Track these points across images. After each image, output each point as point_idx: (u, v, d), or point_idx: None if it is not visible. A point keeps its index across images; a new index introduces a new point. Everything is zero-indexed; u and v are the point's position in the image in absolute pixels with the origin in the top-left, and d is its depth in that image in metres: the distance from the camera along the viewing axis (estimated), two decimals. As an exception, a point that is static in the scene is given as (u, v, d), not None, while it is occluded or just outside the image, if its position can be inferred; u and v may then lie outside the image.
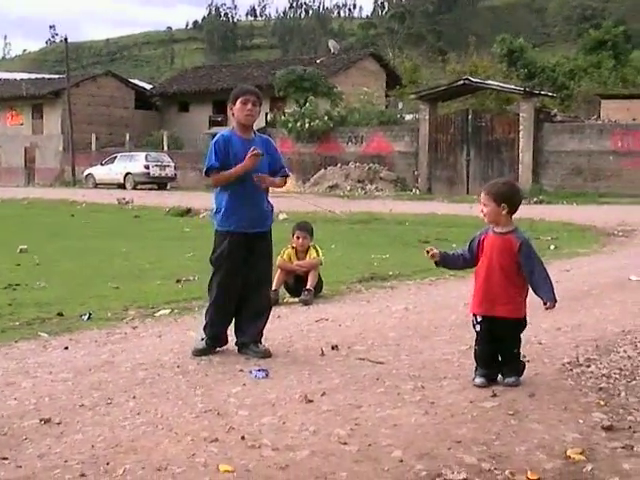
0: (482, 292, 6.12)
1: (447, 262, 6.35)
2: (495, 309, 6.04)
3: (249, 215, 7.08)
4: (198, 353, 6.98)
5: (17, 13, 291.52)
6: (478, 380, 6.06)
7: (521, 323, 6.11)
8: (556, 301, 5.99)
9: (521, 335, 6.16)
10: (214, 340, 7.15)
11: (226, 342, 7.22)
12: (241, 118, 7.14)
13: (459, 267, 6.49)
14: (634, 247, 16.78)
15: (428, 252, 6.28)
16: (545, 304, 5.99)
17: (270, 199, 7.36)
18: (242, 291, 7.16)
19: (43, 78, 71.44)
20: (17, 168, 62.45)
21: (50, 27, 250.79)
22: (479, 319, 6.13)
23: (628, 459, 4.50)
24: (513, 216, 6.10)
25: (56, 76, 74.49)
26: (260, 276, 7.26)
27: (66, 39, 66.47)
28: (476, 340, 6.21)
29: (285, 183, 7.52)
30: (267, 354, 6.94)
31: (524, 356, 6.53)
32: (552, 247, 16.25)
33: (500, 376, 6.06)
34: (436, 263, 6.38)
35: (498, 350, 6.10)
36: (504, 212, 5.97)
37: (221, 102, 57.25)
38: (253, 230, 7.12)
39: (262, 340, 7.14)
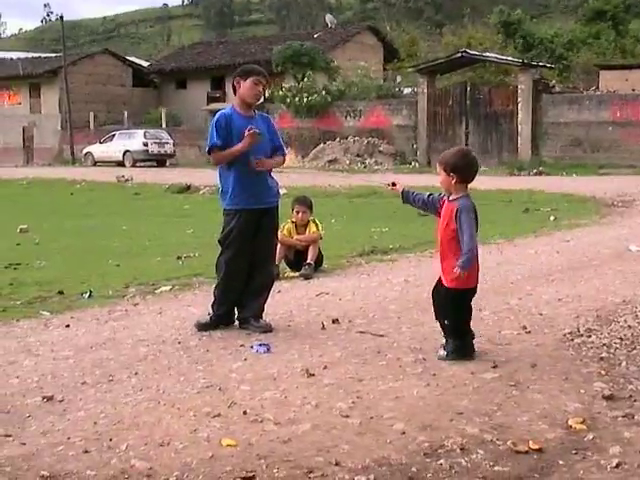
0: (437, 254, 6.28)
1: (409, 198, 6.41)
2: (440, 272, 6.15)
3: (256, 191, 7.09)
4: (201, 327, 7.00)
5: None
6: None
7: (450, 293, 6.04)
8: (462, 268, 5.85)
9: (457, 309, 6.06)
10: (220, 318, 7.17)
11: (232, 322, 7.22)
12: (249, 97, 7.12)
13: (419, 207, 6.42)
14: (634, 217, 16.78)
15: (391, 186, 6.47)
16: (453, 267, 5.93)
17: (274, 175, 7.38)
18: (248, 267, 7.17)
19: (40, 57, 70.96)
20: (15, 148, 62.13)
21: (44, 5, 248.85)
22: None
23: (629, 428, 4.51)
24: (469, 185, 6.11)
25: (53, 55, 73.96)
26: (265, 252, 7.28)
27: (62, 17, 66.01)
28: None
29: (283, 162, 7.52)
30: (268, 329, 6.96)
31: (529, 331, 6.53)
32: (552, 218, 16.26)
33: None
34: (402, 199, 6.48)
35: None
36: (453, 181, 6.00)
37: (219, 78, 57.16)
38: (261, 206, 7.11)
39: (263, 315, 7.15)
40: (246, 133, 6.91)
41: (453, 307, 6.06)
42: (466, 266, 5.85)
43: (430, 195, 6.29)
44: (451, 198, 6.06)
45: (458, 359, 5.91)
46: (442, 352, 6.02)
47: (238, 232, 7.05)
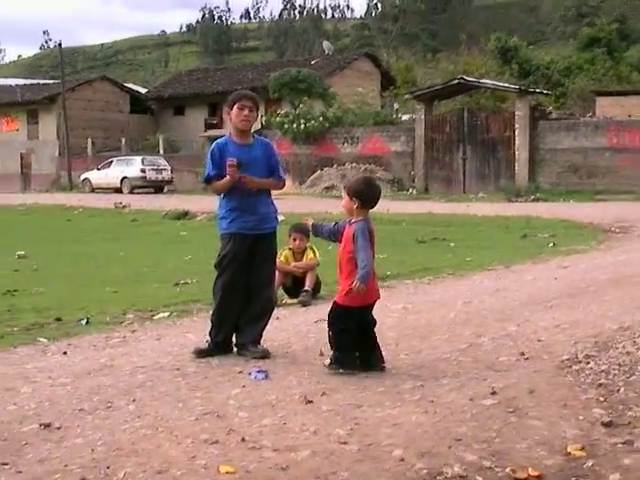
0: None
1: (318, 231, 6.96)
2: None
3: (251, 218, 7.15)
4: (199, 353, 6.99)
5: (9, 19, 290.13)
6: None
7: (335, 307, 6.55)
8: (361, 281, 6.23)
9: (336, 322, 6.46)
10: (218, 346, 7.15)
11: (230, 350, 7.21)
12: (237, 123, 7.19)
13: (326, 237, 6.91)
14: (631, 243, 16.79)
15: (306, 221, 7.15)
16: (352, 283, 6.29)
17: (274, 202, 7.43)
18: (245, 293, 7.18)
19: (38, 83, 71.16)
20: (13, 174, 62.09)
21: (43, 32, 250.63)
22: None
23: (628, 455, 4.50)
24: (370, 210, 6.60)
25: (51, 81, 74.22)
26: (262, 278, 7.28)
27: (60, 44, 66.26)
28: None
29: (282, 187, 7.56)
30: (266, 355, 6.96)
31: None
32: (550, 244, 16.27)
33: None
34: (312, 232, 7.11)
35: None
36: (355, 206, 6.48)
37: (216, 105, 57.25)
38: (255, 232, 7.15)
39: (261, 341, 7.14)
40: (227, 163, 7.00)
41: (333, 320, 6.52)
42: (364, 279, 6.26)
43: (335, 224, 6.80)
44: (352, 222, 6.52)
45: (337, 370, 6.32)
46: (327, 361, 6.50)
47: (232, 256, 7.11)
